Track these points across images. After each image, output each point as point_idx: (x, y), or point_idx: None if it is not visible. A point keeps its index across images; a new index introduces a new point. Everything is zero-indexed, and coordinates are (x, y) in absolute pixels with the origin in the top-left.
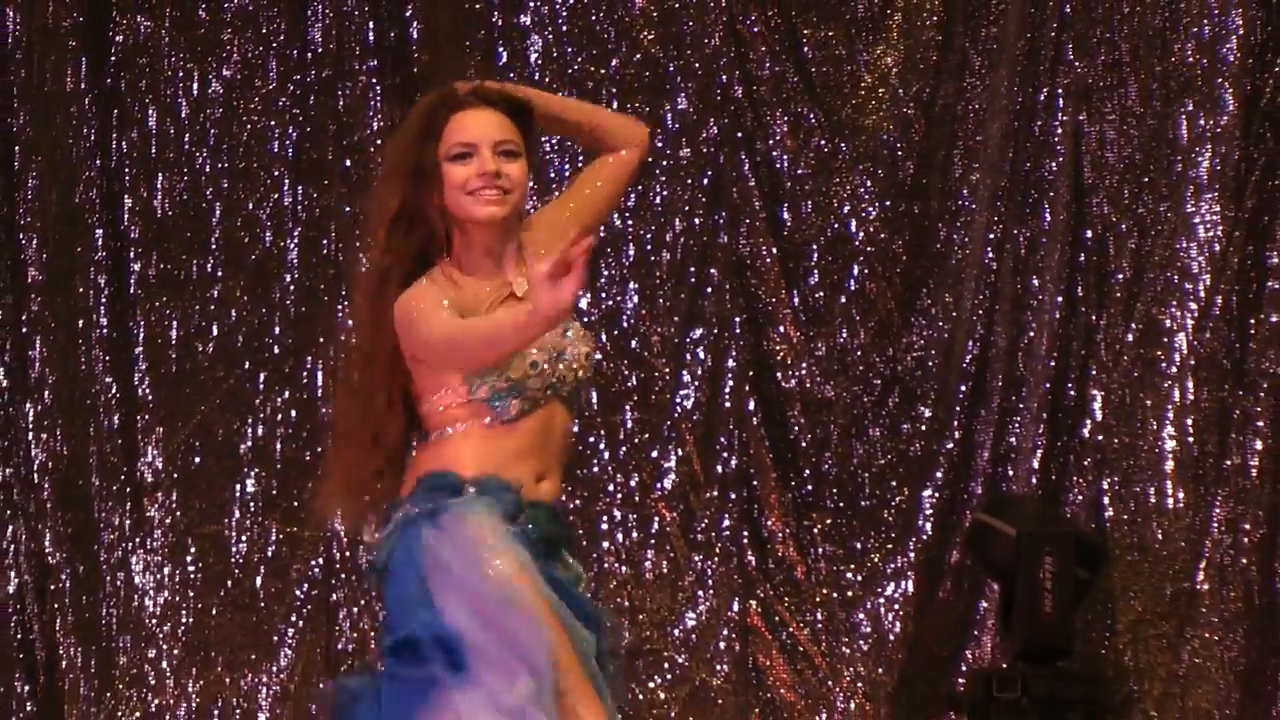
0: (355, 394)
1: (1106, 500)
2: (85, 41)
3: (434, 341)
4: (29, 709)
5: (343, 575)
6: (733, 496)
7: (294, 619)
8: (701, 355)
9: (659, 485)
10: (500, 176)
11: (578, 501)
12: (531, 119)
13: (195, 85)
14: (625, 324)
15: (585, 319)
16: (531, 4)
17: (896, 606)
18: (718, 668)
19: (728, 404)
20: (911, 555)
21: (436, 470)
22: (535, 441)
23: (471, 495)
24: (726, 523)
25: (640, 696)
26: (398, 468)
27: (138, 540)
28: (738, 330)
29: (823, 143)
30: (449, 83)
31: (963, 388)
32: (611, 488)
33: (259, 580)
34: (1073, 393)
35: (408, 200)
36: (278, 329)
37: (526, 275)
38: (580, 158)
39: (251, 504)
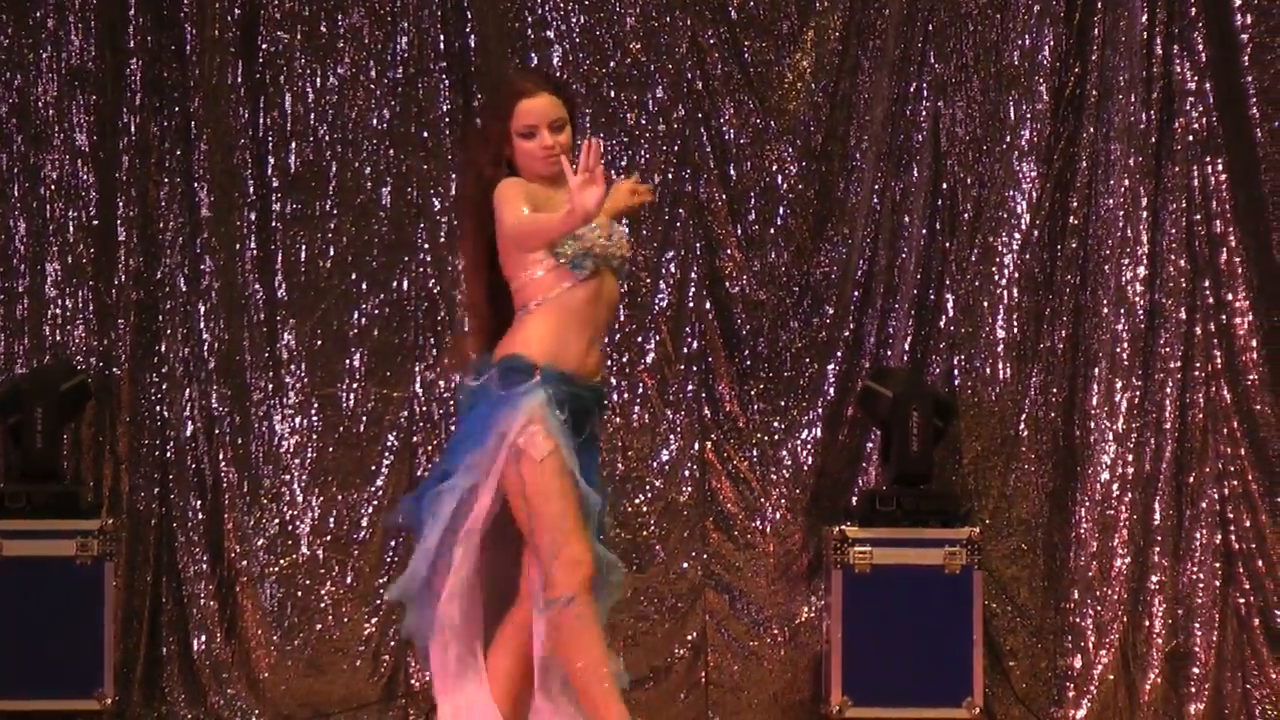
0: (468, 271)
1: (956, 372)
2: (240, 49)
3: (506, 228)
4: (199, 516)
5: (421, 424)
6: (695, 369)
7: (386, 455)
8: (673, 269)
9: (643, 360)
10: (554, 147)
11: None
12: (573, 94)
13: (318, 79)
14: None
15: None
16: (553, 24)
17: (809, 446)
18: (684, 489)
19: (691, 304)
20: (820, 410)
21: (514, 352)
22: (592, 308)
23: (536, 382)
24: (690, 387)
25: (629, 509)
26: (505, 324)
27: (277, 399)
28: (698, 252)
29: (758, 121)
30: (509, 71)
31: (856, 293)
32: (610, 363)
33: (362, 427)
34: (932, 296)
35: (494, 148)
36: (375, 250)
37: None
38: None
39: (357, 373)
